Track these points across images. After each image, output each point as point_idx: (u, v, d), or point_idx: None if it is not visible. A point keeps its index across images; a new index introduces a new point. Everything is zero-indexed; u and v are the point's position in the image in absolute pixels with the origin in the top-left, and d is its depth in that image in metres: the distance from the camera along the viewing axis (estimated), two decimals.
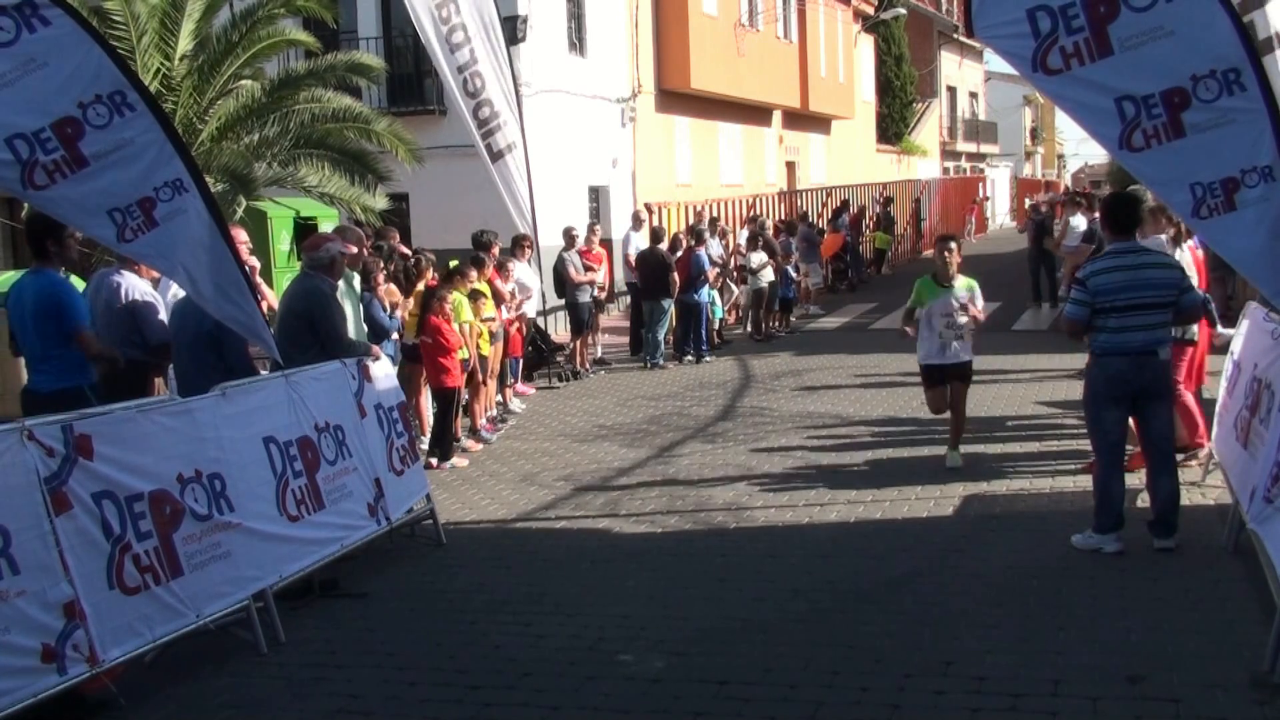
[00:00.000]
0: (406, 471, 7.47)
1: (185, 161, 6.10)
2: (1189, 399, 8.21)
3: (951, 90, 52.11)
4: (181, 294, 6.93)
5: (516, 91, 13.56)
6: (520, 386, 13.32)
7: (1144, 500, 6.97)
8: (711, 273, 15.88)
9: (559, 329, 17.06)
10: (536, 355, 14.17)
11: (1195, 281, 8.12)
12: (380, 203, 14.54)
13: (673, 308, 15.42)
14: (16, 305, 6.52)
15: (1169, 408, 6.72)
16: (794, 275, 19.01)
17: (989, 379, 12.96)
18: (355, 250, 8.33)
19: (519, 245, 13.15)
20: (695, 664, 5.33)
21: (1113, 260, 6.49)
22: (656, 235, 16.22)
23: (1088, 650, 5.22)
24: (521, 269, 12.87)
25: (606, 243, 17.76)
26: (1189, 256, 8.19)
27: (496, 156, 13.16)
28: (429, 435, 10.10)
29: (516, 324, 12.57)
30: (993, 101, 60.26)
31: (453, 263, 11.14)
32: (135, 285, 7.34)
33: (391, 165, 15.03)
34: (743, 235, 19.14)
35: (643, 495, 8.56)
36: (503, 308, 11.72)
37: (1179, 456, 8.13)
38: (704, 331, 15.82)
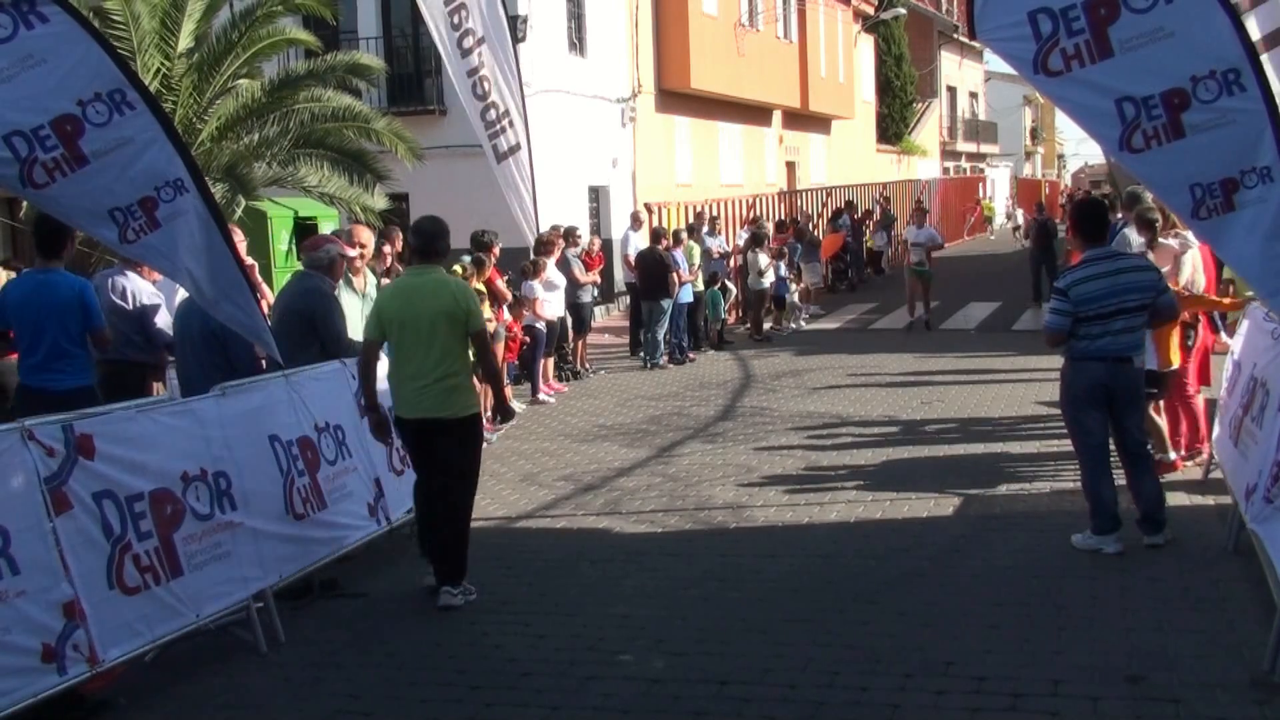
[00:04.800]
0: (406, 471, 7.44)
1: (185, 161, 6.10)
2: (1198, 403, 8.18)
3: (951, 90, 52.13)
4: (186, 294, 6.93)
5: (521, 93, 13.57)
6: (554, 384, 13.45)
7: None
8: (682, 275, 15.32)
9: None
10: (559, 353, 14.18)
11: (1203, 283, 8.13)
12: (380, 202, 14.53)
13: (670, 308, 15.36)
14: (25, 304, 6.52)
15: (1141, 414, 6.87)
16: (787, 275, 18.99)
17: (989, 379, 12.98)
18: (356, 252, 8.28)
19: (549, 245, 13.25)
20: (695, 664, 5.33)
21: (1091, 269, 6.49)
22: (657, 235, 16.20)
23: (1088, 650, 5.22)
24: (551, 267, 13.19)
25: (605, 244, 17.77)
26: (1197, 255, 8.09)
27: (501, 158, 13.18)
28: None
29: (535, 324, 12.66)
30: (993, 101, 60.28)
31: (456, 268, 11.12)
32: (141, 288, 7.35)
33: (391, 165, 15.03)
34: (742, 235, 19.21)
35: (643, 495, 8.56)
36: (503, 308, 11.72)
37: (1181, 454, 8.17)
38: (682, 332, 15.64)
